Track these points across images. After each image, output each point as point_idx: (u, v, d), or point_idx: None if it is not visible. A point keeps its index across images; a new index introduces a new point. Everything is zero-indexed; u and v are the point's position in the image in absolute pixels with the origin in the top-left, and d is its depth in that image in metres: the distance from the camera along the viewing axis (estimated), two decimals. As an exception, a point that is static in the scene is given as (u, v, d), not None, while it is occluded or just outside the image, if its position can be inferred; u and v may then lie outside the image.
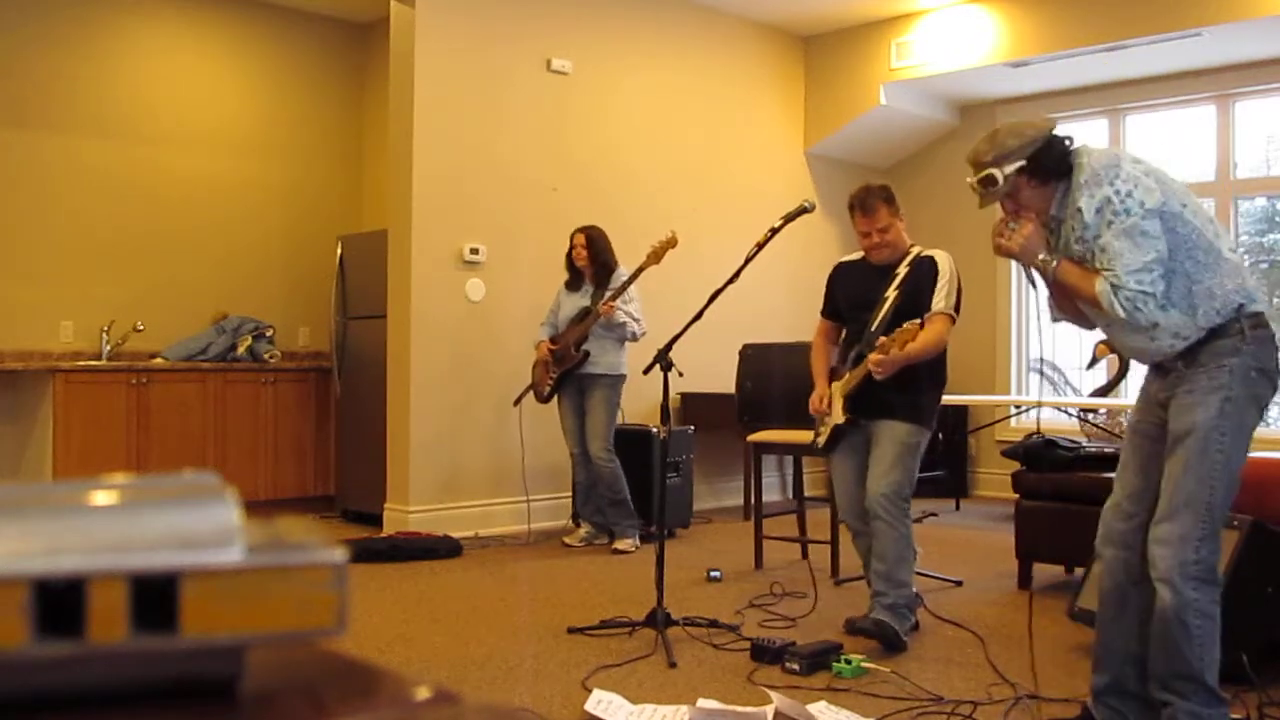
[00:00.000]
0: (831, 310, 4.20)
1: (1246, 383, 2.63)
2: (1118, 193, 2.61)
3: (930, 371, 3.90)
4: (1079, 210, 2.66)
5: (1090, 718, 2.86)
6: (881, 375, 3.71)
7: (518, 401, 5.91)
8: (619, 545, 5.61)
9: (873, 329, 3.87)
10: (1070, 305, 2.87)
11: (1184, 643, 2.58)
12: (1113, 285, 2.60)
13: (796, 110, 8.22)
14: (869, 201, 3.93)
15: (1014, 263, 2.99)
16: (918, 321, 3.64)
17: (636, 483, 5.95)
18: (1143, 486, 2.77)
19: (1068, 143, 2.76)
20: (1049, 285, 2.83)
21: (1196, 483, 2.60)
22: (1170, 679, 2.63)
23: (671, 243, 5.41)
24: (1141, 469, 2.79)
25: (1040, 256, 2.76)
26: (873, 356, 3.68)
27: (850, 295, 4.09)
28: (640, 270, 5.49)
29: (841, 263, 4.26)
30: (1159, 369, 2.78)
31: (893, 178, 7.86)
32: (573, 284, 5.83)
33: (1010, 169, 2.74)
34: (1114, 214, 2.60)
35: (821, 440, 4.07)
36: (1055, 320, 2.98)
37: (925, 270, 3.89)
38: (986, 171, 2.77)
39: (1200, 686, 2.60)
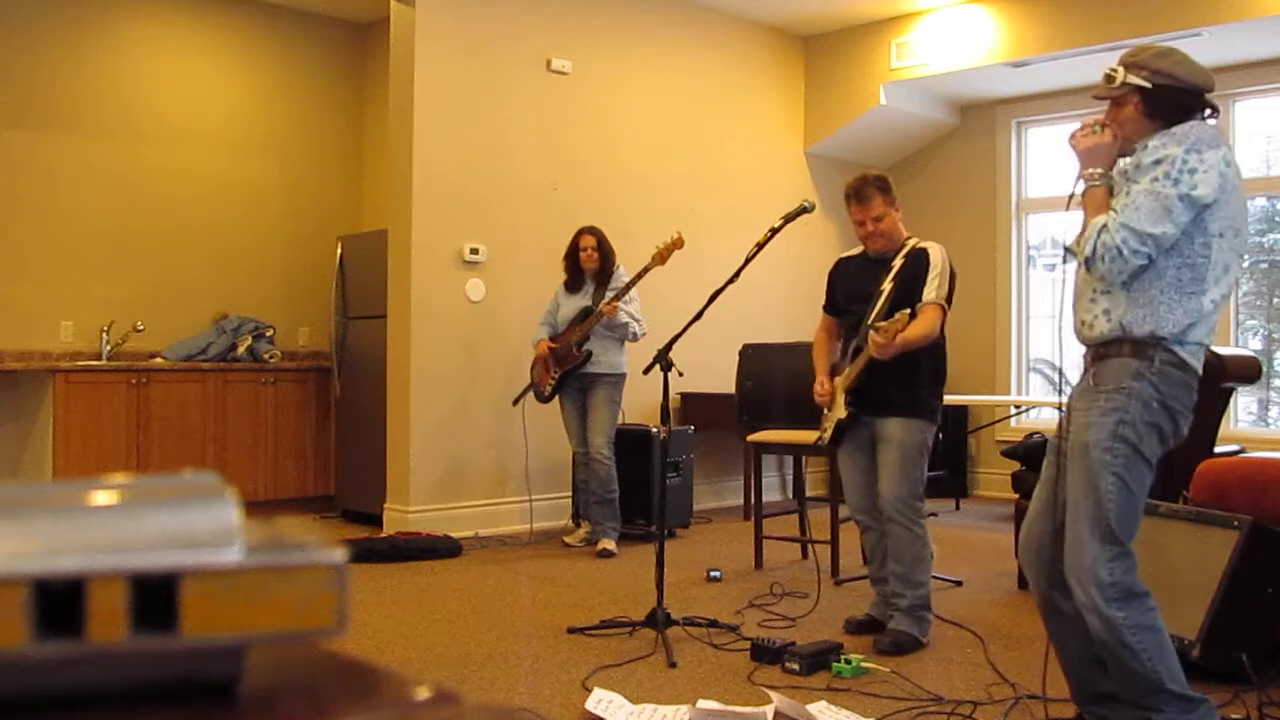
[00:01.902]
0: (831, 305, 4.21)
1: (1146, 410, 2.57)
2: (1185, 162, 2.50)
3: (930, 366, 3.90)
4: (1146, 147, 2.58)
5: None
6: (883, 356, 3.69)
7: (517, 401, 5.91)
8: (604, 545, 5.60)
9: (869, 322, 3.88)
10: None
11: (1132, 662, 2.56)
12: (1104, 226, 2.53)
13: (796, 110, 8.22)
14: (864, 190, 3.95)
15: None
16: (908, 311, 3.65)
17: (636, 483, 5.95)
18: (1050, 500, 2.76)
19: (1202, 109, 2.63)
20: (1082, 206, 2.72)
21: (1095, 506, 2.58)
22: (1139, 697, 2.61)
23: (677, 244, 5.41)
24: (1051, 481, 2.77)
25: (1092, 169, 2.65)
26: (874, 337, 3.67)
27: (847, 289, 4.11)
28: (645, 271, 5.49)
29: (842, 258, 4.28)
30: (1081, 376, 2.75)
31: (893, 178, 7.82)
32: (573, 284, 5.82)
33: (1133, 79, 2.63)
34: (1164, 174, 2.50)
35: (826, 436, 4.07)
36: (1068, 250, 2.81)
37: (919, 262, 3.91)
38: (1115, 67, 2.67)
39: (1170, 696, 2.57)
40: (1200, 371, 2.65)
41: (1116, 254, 2.51)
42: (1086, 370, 2.71)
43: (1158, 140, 2.57)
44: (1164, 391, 2.58)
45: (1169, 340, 2.56)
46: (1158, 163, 2.53)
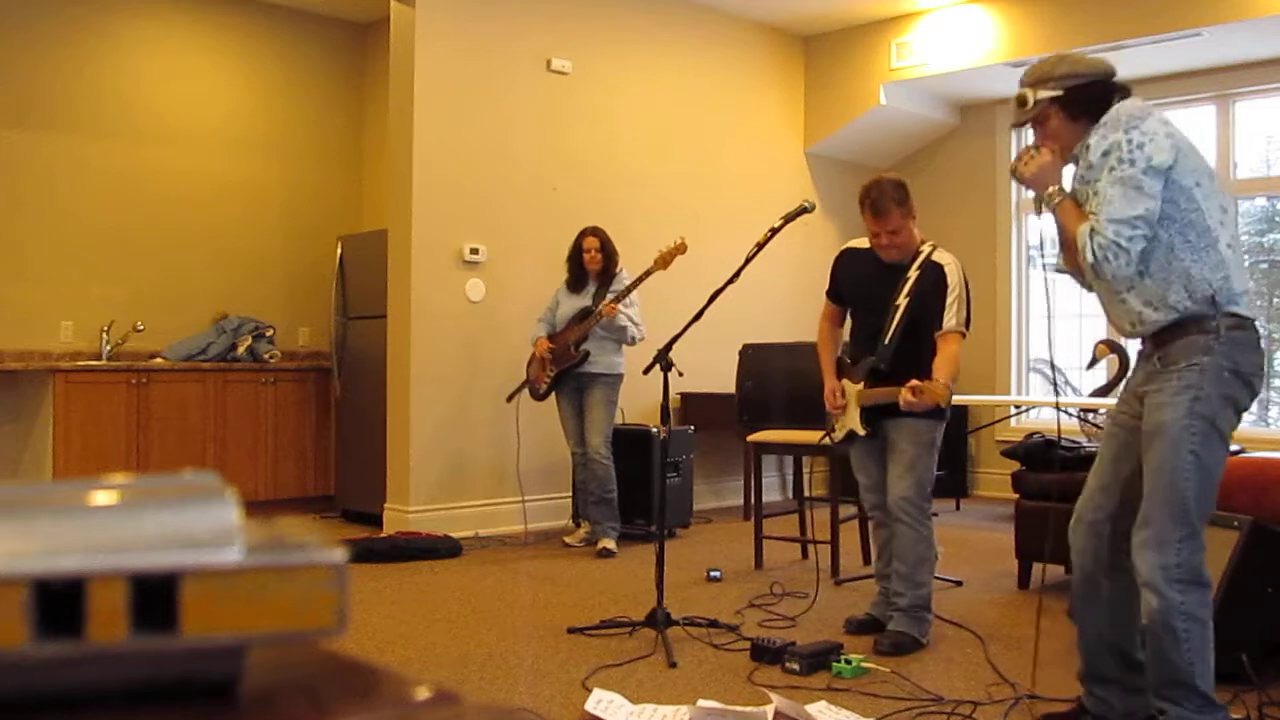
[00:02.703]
0: (836, 295, 4.16)
1: (1219, 383, 2.59)
2: (1130, 141, 2.57)
3: None
4: (1087, 147, 2.65)
5: (1083, 710, 2.87)
6: (908, 409, 3.69)
7: (511, 397, 5.90)
8: (604, 544, 5.61)
9: (886, 341, 3.85)
10: (1073, 255, 2.81)
11: (1172, 648, 2.56)
12: (1092, 229, 2.57)
13: (796, 110, 8.22)
14: (881, 203, 3.83)
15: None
16: (945, 385, 3.61)
17: (636, 483, 5.95)
18: (1112, 480, 2.77)
19: (1115, 92, 2.71)
20: (1056, 225, 2.78)
21: (1170, 484, 2.57)
22: (1163, 686, 2.61)
23: (680, 249, 5.39)
24: (1115, 460, 2.78)
25: (1050, 189, 2.72)
26: (906, 397, 3.62)
27: (856, 289, 4.06)
28: (647, 274, 5.47)
29: (848, 249, 4.16)
30: (1144, 359, 2.76)
31: (893, 178, 7.86)
32: (575, 285, 5.81)
33: (1044, 94, 2.71)
34: (1118, 160, 2.57)
35: (837, 438, 4.06)
36: (1059, 271, 2.92)
37: (934, 279, 3.85)
38: (1023, 91, 2.75)
39: (1193, 692, 2.58)
40: (1255, 320, 2.69)
41: (1116, 248, 2.55)
42: (1148, 355, 2.72)
43: (1095, 137, 2.64)
44: (1235, 358, 2.60)
45: (1223, 301, 2.59)
46: (1106, 154, 2.60)
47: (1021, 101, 2.75)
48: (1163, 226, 2.59)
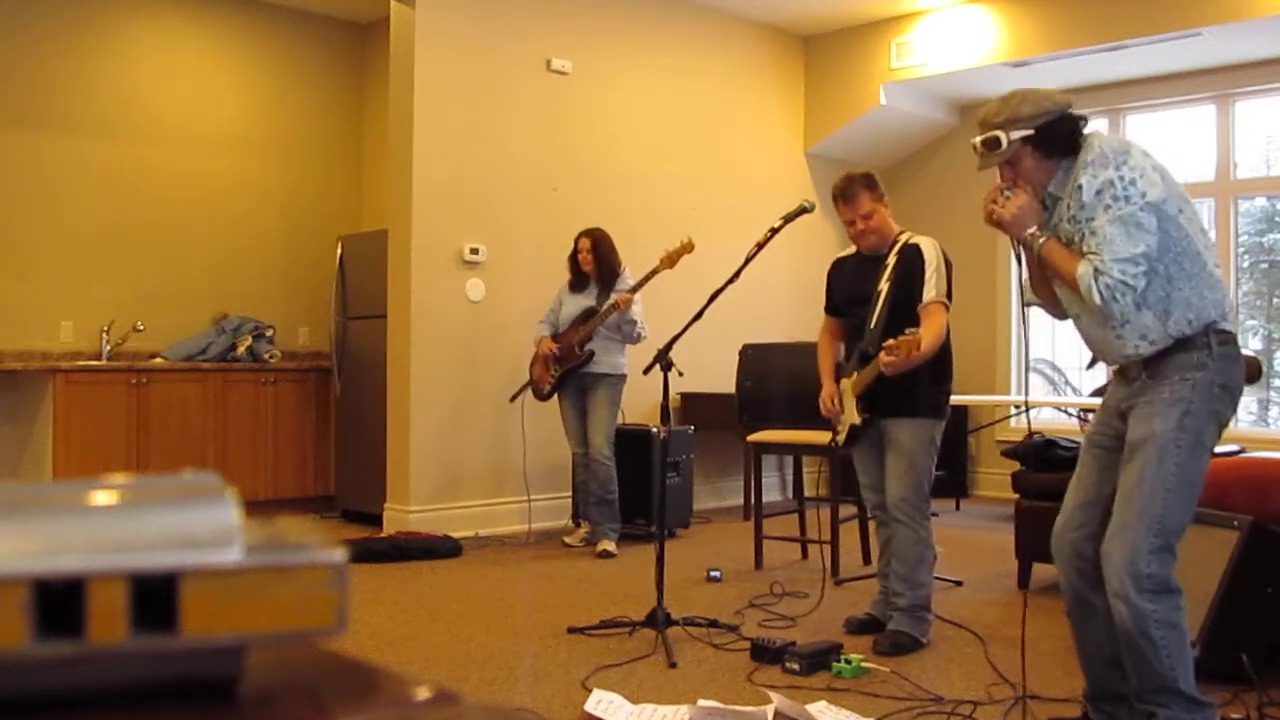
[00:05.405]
0: (832, 307, 4.21)
1: (1208, 398, 2.58)
2: (1122, 178, 2.56)
3: (934, 363, 3.89)
4: (1079, 187, 2.62)
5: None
6: (892, 373, 3.70)
7: (514, 398, 5.90)
8: (604, 546, 5.60)
9: (872, 326, 3.88)
10: (1046, 289, 2.83)
11: (1153, 657, 2.55)
12: (1096, 270, 2.55)
13: (796, 110, 8.22)
14: (850, 189, 3.94)
15: (1013, 254, 2.91)
16: (917, 330, 3.63)
17: (636, 483, 5.95)
18: (1094, 497, 2.75)
19: (1080, 123, 2.71)
20: (1030, 263, 2.79)
21: (1149, 495, 2.56)
22: (1147, 693, 2.61)
23: (687, 248, 5.39)
24: (1094, 480, 2.76)
25: (1029, 230, 2.71)
26: (883, 357, 3.66)
27: (845, 290, 4.11)
28: (653, 273, 5.47)
29: (838, 258, 4.27)
30: (1123, 377, 2.74)
31: (893, 178, 7.86)
32: (577, 285, 5.82)
33: (1016, 135, 2.69)
34: (1113, 199, 2.55)
35: (841, 439, 4.07)
36: (1027, 304, 2.93)
37: (912, 259, 3.90)
38: (992, 133, 2.72)
39: (1179, 695, 2.57)
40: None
41: (1124, 287, 2.54)
42: (1135, 375, 2.69)
43: (1085, 177, 2.61)
44: (1225, 374, 2.60)
45: (1217, 320, 2.61)
46: (1100, 193, 2.58)
47: (994, 143, 2.71)
48: (1160, 259, 2.58)
